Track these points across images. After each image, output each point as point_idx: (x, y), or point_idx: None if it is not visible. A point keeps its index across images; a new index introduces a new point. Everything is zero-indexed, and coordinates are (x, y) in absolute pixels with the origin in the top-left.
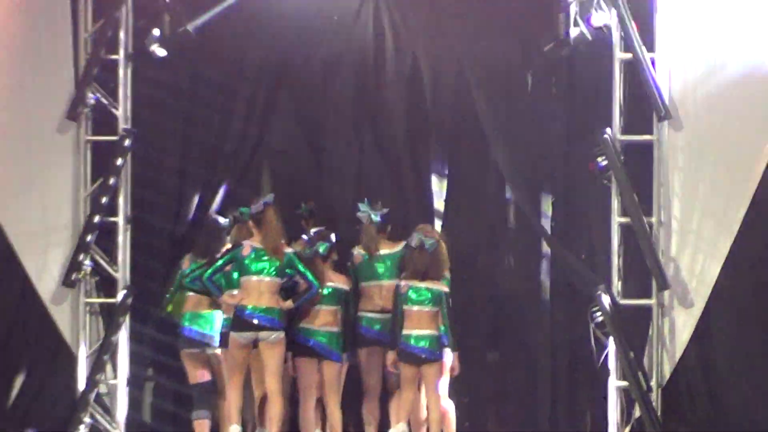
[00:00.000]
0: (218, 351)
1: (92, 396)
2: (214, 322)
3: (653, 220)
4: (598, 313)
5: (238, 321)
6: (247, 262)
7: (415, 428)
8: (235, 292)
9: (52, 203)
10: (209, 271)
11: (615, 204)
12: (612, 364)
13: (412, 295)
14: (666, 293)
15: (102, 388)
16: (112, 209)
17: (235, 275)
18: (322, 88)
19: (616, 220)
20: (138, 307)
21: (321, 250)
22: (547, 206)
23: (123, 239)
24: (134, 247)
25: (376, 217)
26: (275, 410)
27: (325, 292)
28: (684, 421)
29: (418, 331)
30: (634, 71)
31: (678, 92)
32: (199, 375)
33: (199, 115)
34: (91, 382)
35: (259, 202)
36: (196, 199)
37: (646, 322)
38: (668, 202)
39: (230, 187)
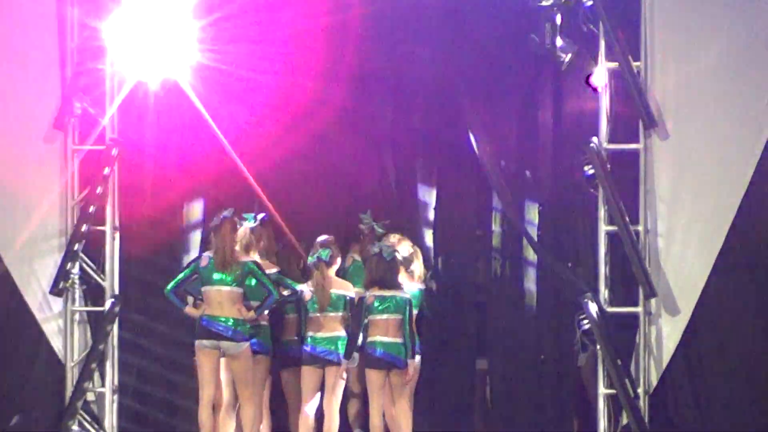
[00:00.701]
0: None
1: (80, 404)
2: None
3: (640, 228)
4: (585, 321)
5: (200, 329)
6: (206, 273)
7: None
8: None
9: (40, 212)
10: (171, 284)
11: (602, 212)
12: (599, 371)
13: (377, 304)
14: (653, 301)
15: (90, 396)
16: (99, 218)
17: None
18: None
19: (603, 228)
20: (125, 315)
21: (323, 256)
22: (533, 214)
23: (110, 248)
24: (122, 256)
25: (380, 229)
26: (249, 413)
27: (333, 298)
28: (671, 427)
29: (384, 338)
30: (620, 80)
31: (664, 101)
32: None
33: (186, 123)
34: (79, 390)
35: (218, 215)
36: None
37: (633, 329)
38: (655, 210)
39: (218, 195)
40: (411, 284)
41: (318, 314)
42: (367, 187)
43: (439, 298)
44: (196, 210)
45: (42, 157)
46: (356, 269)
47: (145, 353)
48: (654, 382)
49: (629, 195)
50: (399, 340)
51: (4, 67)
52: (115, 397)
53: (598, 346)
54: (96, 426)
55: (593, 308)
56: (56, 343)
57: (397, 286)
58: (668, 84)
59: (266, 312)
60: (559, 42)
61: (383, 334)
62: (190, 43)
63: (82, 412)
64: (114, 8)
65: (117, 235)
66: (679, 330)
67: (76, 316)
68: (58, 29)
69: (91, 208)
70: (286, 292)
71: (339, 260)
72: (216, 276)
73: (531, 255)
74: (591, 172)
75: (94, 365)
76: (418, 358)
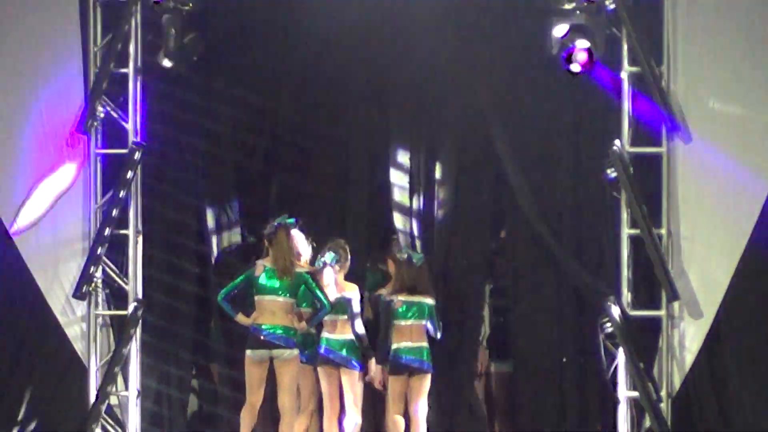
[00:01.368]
0: None
1: (103, 408)
2: None
3: (662, 231)
4: (608, 324)
5: (252, 339)
6: (260, 282)
7: None
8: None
9: (63, 216)
10: (223, 291)
11: (624, 215)
12: (622, 374)
13: (403, 309)
14: (676, 304)
15: (113, 400)
16: (122, 222)
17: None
18: (334, 101)
19: (626, 231)
20: (147, 319)
21: (328, 260)
22: (556, 217)
23: (133, 252)
24: (145, 260)
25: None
26: (288, 424)
27: (341, 302)
28: (694, 431)
29: (409, 343)
30: (643, 84)
31: (686, 105)
32: None
33: (209, 127)
34: (102, 394)
35: (272, 223)
36: (206, 212)
37: (655, 333)
38: (677, 213)
39: (240, 200)
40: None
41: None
42: (383, 185)
43: (458, 302)
44: (218, 213)
45: (65, 161)
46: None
47: (168, 357)
48: (677, 385)
49: (652, 198)
50: (423, 344)
51: (28, 71)
52: (138, 400)
53: (621, 349)
54: (119, 429)
55: (616, 311)
56: (79, 347)
57: (425, 292)
58: (691, 88)
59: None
60: (581, 44)
61: (408, 339)
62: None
63: (105, 415)
64: (136, 11)
65: (140, 239)
66: (702, 333)
67: (99, 320)
68: (81, 33)
69: (114, 212)
70: None
71: (348, 263)
72: (270, 285)
73: (553, 258)
74: (614, 175)
75: (117, 369)
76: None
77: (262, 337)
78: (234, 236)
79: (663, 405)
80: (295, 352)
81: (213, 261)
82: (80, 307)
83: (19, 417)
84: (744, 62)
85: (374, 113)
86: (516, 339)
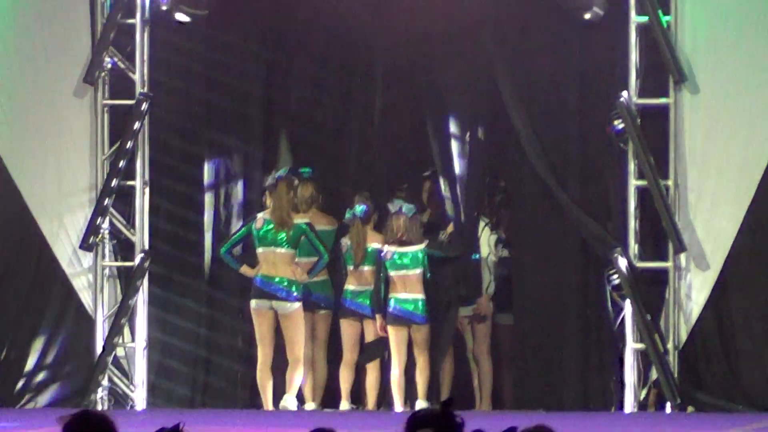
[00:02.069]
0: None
1: (110, 359)
2: None
3: (669, 183)
4: (615, 276)
5: (254, 289)
6: (261, 234)
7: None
8: None
9: (70, 167)
10: (226, 245)
11: (631, 167)
12: (629, 326)
13: (395, 259)
14: (682, 256)
15: (120, 351)
16: (129, 173)
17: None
18: (342, 52)
19: (633, 183)
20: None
21: (358, 212)
22: (563, 169)
23: (140, 203)
24: (151, 211)
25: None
26: (295, 375)
27: (368, 252)
28: (701, 383)
29: (404, 294)
30: (650, 34)
31: (694, 55)
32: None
33: (216, 78)
34: (109, 345)
35: (273, 175)
36: (213, 163)
37: (662, 285)
38: (684, 164)
39: (248, 151)
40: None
41: (354, 269)
42: (398, 139)
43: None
44: (225, 164)
45: (72, 112)
46: None
47: (175, 308)
48: (683, 337)
49: (659, 150)
50: (419, 295)
51: (34, 22)
52: (145, 351)
53: (628, 301)
54: (126, 381)
55: (623, 263)
56: (86, 299)
57: (416, 242)
58: (698, 38)
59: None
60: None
61: (402, 290)
62: None
63: (111, 366)
64: None
65: (147, 190)
66: (708, 285)
67: (106, 271)
68: None
69: (121, 163)
70: None
71: (376, 215)
72: (271, 237)
73: (560, 210)
74: (621, 126)
75: (123, 320)
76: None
77: (263, 288)
78: (238, 187)
79: (670, 357)
80: (297, 304)
81: (219, 212)
82: (87, 258)
83: (27, 368)
84: (751, 13)
85: (380, 64)
86: (519, 291)
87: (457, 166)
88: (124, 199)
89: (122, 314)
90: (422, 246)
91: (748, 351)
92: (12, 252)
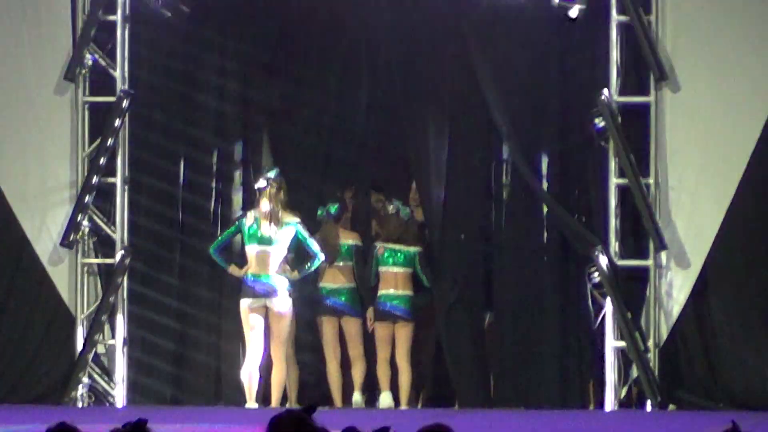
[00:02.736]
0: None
1: (90, 356)
2: None
3: (650, 181)
4: (596, 274)
5: (244, 289)
6: (250, 232)
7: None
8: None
9: (50, 164)
10: (215, 243)
11: (612, 165)
12: (609, 324)
13: (386, 256)
14: (663, 254)
15: (100, 349)
16: (110, 170)
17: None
18: (323, 48)
19: (614, 181)
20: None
21: (332, 211)
22: (543, 167)
23: (121, 200)
24: (132, 208)
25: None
26: (279, 376)
27: (343, 249)
28: (681, 381)
29: (394, 291)
30: (631, 33)
31: (675, 54)
32: None
33: (197, 75)
34: (89, 343)
35: (264, 175)
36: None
37: (643, 283)
38: (665, 163)
39: (229, 148)
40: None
41: (329, 266)
42: (376, 138)
43: (447, 251)
44: (205, 162)
45: (52, 109)
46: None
47: (155, 305)
48: (664, 335)
49: (640, 148)
50: (408, 292)
51: (15, 18)
52: (125, 349)
53: (609, 299)
54: (106, 378)
55: (603, 261)
56: (66, 295)
57: (411, 242)
58: (679, 37)
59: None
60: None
61: (392, 286)
62: None
63: (92, 364)
64: None
65: (127, 188)
66: (689, 283)
67: (87, 268)
68: None
69: (102, 160)
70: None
71: (349, 213)
72: (260, 235)
73: (541, 207)
74: (601, 124)
75: (104, 317)
76: None
77: (253, 287)
78: (219, 185)
79: (650, 355)
80: (287, 302)
81: (199, 209)
82: (67, 255)
83: (5, 365)
84: (733, 11)
85: (362, 62)
86: (500, 288)
87: (438, 164)
88: (105, 197)
89: (102, 311)
90: (418, 248)
91: (728, 349)
92: None
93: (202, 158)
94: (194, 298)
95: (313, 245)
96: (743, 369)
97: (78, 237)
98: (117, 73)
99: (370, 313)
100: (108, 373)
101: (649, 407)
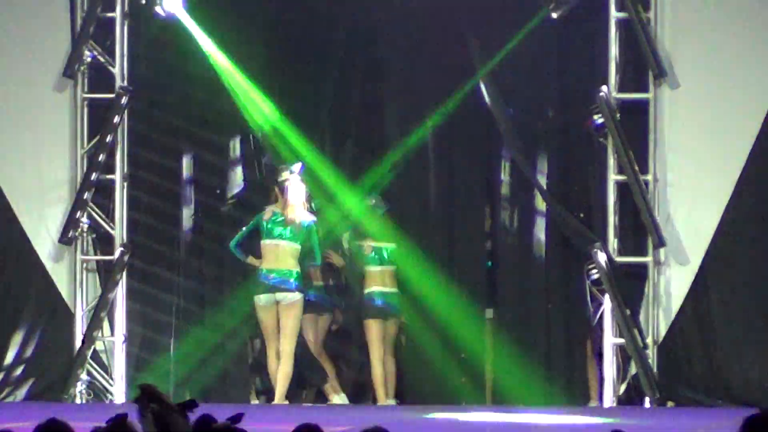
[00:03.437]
0: None
1: (89, 353)
2: None
3: (649, 178)
4: (594, 271)
5: (259, 285)
6: (268, 226)
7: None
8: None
9: (49, 161)
10: (234, 239)
11: (611, 162)
12: (608, 321)
13: (373, 255)
14: (662, 251)
15: (99, 345)
16: (109, 167)
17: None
18: (321, 46)
19: (612, 177)
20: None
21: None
22: (543, 164)
23: (120, 197)
24: (131, 205)
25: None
26: (285, 370)
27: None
28: (680, 377)
29: (381, 288)
30: (630, 29)
31: (674, 50)
32: None
33: (195, 72)
34: (88, 339)
35: (284, 169)
36: (192, 157)
37: (642, 279)
38: (664, 160)
39: (227, 144)
40: None
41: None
42: (374, 136)
43: (447, 248)
44: (204, 158)
45: (51, 106)
46: None
47: (154, 302)
48: (663, 331)
49: (638, 145)
50: (395, 290)
51: (13, 15)
52: (124, 345)
53: (607, 296)
54: (105, 374)
55: (602, 258)
56: (65, 292)
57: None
58: (678, 33)
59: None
60: None
61: (380, 284)
62: None
63: (91, 360)
64: None
65: (126, 184)
66: (688, 280)
67: (86, 265)
68: None
69: (101, 157)
70: None
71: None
72: (277, 229)
73: (540, 204)
74: (600, 121)
75: (103, 314)
76: None
77: (267, 282)
78: (218, 181)
79: (649, 352)
80: (298, 295)
81: (198, 206)
82: (66, 252)
83: (6, 361)
84: (732, 8)
85: (360, 60)
86: (501, 285)
87: (441, 162)
88: (104, 193)
89: (101, 308)
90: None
91: (727, 345)
92: None
93: (202, 155)
94: (194, 295)
95: (318, 250)
96: (742, 365)
97: (77, 234)
98: (116, 70)
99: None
100: (107, 369)
101: (647, 404)
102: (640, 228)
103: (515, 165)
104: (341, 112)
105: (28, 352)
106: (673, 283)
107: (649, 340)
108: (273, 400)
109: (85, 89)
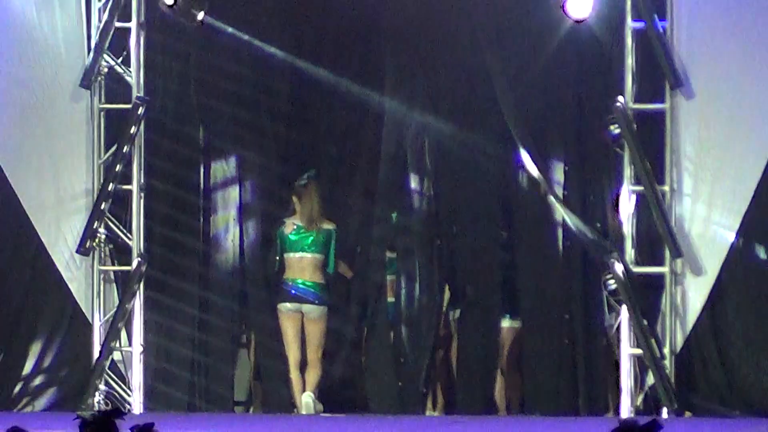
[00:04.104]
0: None
1: (107, 363)
2: None
3: (666, 188)
4: (611, 281)
5: (283, 293)
6: (291, 238)
7: None
8: None
9: (66, 171)
10: (276, 264)
11: (627, 172)
12: (625, 331)
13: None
14: (679, 261)
15: (117, 356)
16: (126, 177)
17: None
18: (339, 56)
19: (629, 188)
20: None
21: None
22: (559, 173)
23: (137, 207)
24: (148, 215)
25: None
26: (316, 373)
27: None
28: (697, 388)
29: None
30: (646, 39)
31: (690, 60)
32: None
33: (212, 82)
34: (106, 350)
35: (302, 178)
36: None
37: (659, 290)
38: (680, 170)
39: (244, 154)
40: None
41: None
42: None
43: (463, 257)
44: (221, 168)
45: (68, 117)
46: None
47: (171, 312)
48: (680, 342)
49: (655, 155)
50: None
51: (30, 27)
52: (142, 356)
53: (624, 306)
54: (123, 385)
55: (619, 268)
56: (83, 303)
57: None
58: (694, 43)
59: None
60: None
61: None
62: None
63: (108, 371)
64: None
65: (143, 195)
66: (705, 290)
67: (103, 276)
68: None
69: (118, 167)
70: None
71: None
72: (300, 241)
73: (557, 214)
74: (617, 131)
75: (120, 324)
76: None
77: (292, 292)
78: (235, 191)
79: (666, 362)
80: (323, 308)
81: (216, 216)
82: (84, 262)
83: (24, 372)
84: (748, 18)
85: (378, 69)
86: (518, 295)
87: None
88: (121, 204)
89: (119, 318)
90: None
91: (744, 356)
92: (9, 256)
93: (219, 165)
94: (211, 306)
95: (332, 258)
96: (760, 375)
97: (94, 244)
98: (132, 80)
99: None
100: (125, 380)
101: (665, 414)
102: (657, 238)
103: (532, 175)
104: (361, 122)
105: (47, 362)
106: (690, 293)
107: (666, 351)
108: (275, 408)
109: (102, 100)
